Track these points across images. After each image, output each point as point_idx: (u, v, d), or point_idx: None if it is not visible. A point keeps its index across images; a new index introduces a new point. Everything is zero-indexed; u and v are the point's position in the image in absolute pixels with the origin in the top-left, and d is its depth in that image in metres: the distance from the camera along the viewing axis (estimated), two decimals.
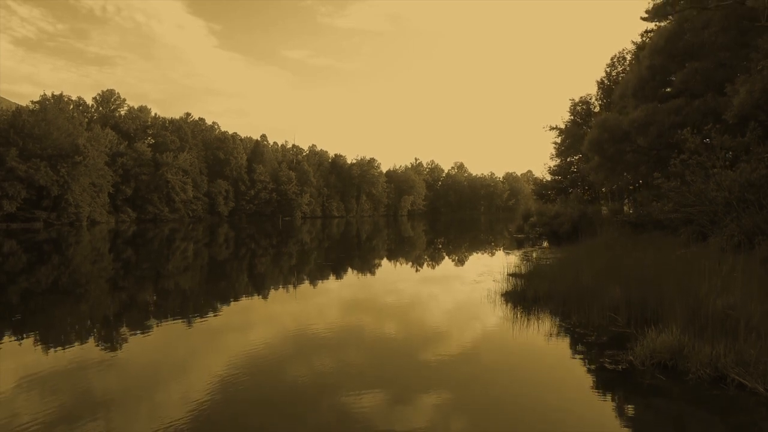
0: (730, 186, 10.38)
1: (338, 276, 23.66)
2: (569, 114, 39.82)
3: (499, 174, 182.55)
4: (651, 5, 18.00)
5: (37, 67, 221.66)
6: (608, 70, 38.03)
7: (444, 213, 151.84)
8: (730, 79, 14.43)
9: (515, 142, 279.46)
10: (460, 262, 19.84)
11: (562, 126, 39.32)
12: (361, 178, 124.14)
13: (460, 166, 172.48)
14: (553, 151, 39.99)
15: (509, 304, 9.16)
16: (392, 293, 12.53)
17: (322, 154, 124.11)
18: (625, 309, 7.61)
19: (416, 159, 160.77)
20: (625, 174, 20.55)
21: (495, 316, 8.72)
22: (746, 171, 10.18)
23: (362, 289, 15.73)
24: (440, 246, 44.00)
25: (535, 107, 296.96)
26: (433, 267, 18.87)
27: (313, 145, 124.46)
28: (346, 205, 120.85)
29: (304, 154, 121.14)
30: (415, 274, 16.74)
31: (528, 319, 8.38)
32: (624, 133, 15.66)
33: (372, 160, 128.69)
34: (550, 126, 38.43)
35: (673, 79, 16.56)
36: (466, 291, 11.61)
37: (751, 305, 6.00)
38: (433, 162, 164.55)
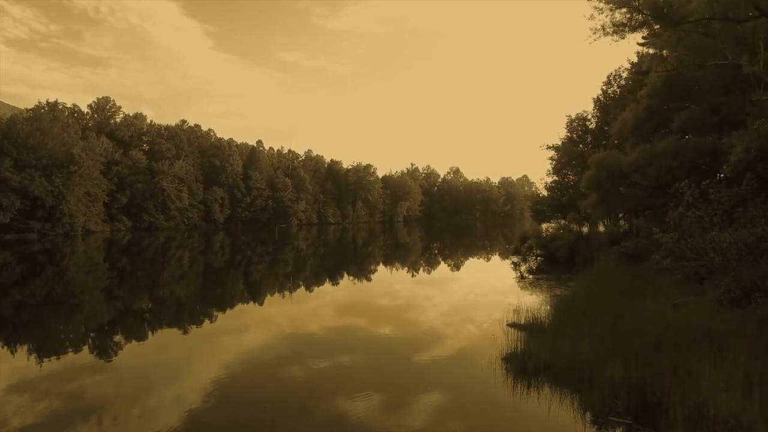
0: (728, 249, 10.46)
1: (334, 282, 23.57)
2: (566, 130, 40.10)
3: (495, 179, 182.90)
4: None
5: (30, 68, 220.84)
6: (604, 88, 38.42)
7: (440, 218, 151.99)
8: (726, 121, 14.57)
9: (511, 146, 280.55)
10: (455, 302, 19.69)
11: (559, 143, 39.56)
12: (357, 185, 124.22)
13: (456, 171, 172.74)
14: (550, 168, 40.20)
15: (510, 374, 9.13)
16: (381, 340, 12.40)
17: (318, 160, 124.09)
18: (624, 391, 7.60)
19: (412, 164, 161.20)
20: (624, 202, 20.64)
21: (494, 391, 8.68)
22: (743, 234, 10.26)
23: (355, 305, 15.60)
24: (435, 252, 44.09)
25: (531, 112, 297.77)
26: (425, 313, 18.70)
27: (309, 150, 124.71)
28: (342, 212, 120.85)
29: (300, 159, 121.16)
30: (406, 314, 16.53)
31: (528, 394, 8.36)
32: (622, 174, 15.79)
33: (368, 166, 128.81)
34: (547, 145, 38.74)
35: (671, 113, 16.65)
36: (465, 350, 11.50)
37: (753, 409, 6.01)
38: (429, 167, 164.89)
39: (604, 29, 10.82)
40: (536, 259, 29.18)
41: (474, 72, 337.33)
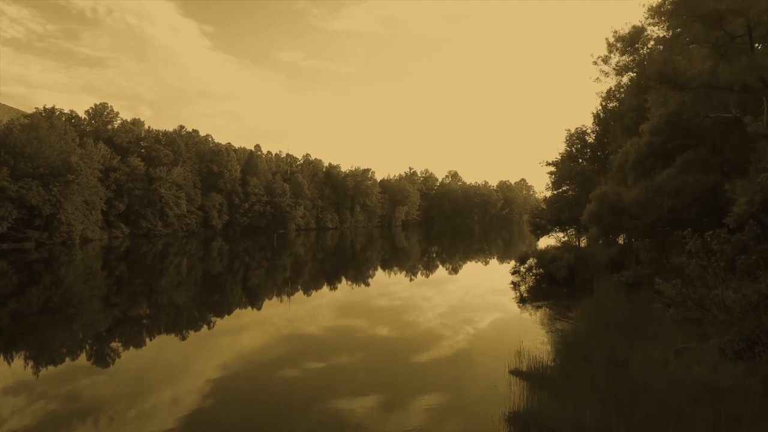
0: (731, 306, 10.48)
1: (332, 287, 23.48)
2: (565, 144, 40.34)
3: (493, 182, 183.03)
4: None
5: (28, 68, 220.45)
6: (604, 103, 38.60)
7: (438, 222, 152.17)
8: (727, 161, 14.61)
9: (510, 150, 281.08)
10: (455, 325, 19.60)
11: (558, 157, 39.80)
12: (355, 190, 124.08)
13: (454, 175, 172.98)
14: (549, 183, 40.38)
15: None
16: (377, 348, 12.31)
17: (317, 164, 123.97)
18: None
19: (410, 168, 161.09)
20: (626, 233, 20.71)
21: None
22: (749, 293, 10.27)
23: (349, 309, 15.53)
24: (434, 256, 44.02)
25: (530, 115, 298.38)
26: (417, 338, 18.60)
27: (307, 154, 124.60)
28: (341, 217, 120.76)
29: (299, 164, 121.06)
30: (400, 342, 16.40)
31: None
32: (623, 209, 15.86)
33: (366, 171, 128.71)
34: (546, 161, 39.17)
35: (673, 151, 16.72)
36: (467, 403, 11.40)
37: None
38: (427, 171, 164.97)
39: (609, 95, 10.80)
40: (536, 278, 29.22)
41: (473, 75, 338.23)
